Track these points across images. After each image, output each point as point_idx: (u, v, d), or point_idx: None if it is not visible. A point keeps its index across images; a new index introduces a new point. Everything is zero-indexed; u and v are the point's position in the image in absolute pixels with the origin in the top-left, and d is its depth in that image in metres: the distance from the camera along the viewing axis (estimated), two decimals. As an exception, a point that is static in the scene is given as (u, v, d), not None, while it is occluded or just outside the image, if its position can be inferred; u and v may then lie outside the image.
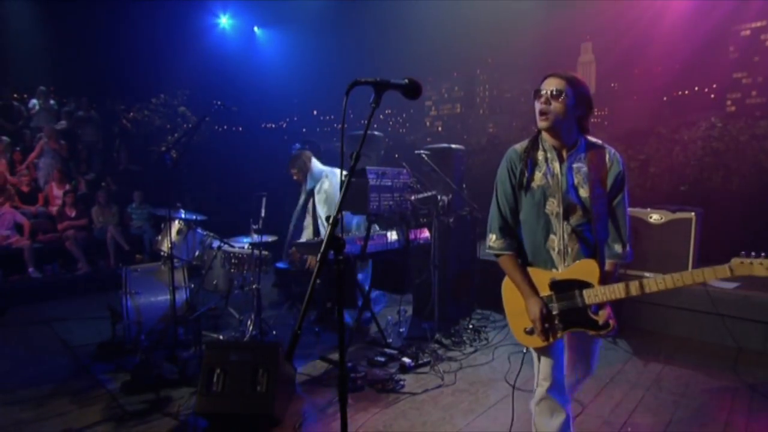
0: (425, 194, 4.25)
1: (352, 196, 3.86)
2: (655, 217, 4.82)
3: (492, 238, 2.17)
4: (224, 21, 11.79)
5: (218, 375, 2.99)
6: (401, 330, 4.57)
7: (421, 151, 4.65)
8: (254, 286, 4.26)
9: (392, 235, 4.26)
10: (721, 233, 5.38)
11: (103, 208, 7.39)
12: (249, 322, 4.35)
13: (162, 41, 10.18)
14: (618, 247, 2.05)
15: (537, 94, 1.96)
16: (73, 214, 7.16)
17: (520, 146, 2.12)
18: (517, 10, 9.34)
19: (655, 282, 1.89)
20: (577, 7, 9.67)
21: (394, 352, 4.08)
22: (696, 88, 9.00)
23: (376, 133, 6.14)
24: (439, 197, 4.30)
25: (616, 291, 1.93)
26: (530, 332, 2.10)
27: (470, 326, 4.68)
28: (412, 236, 4.29)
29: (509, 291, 2.17)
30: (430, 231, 4.49)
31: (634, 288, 1.91)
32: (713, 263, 5.02)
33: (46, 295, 6.22)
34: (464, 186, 5.09)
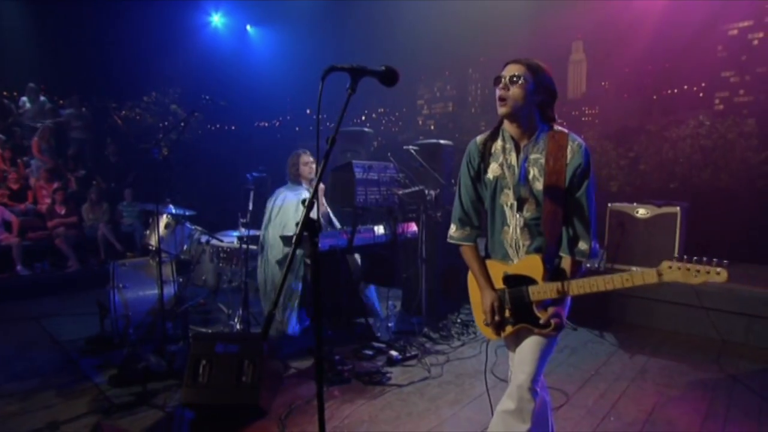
0: (412, 189, 4.28)
1: (339, 189, 3.88)
2: (641, 212, 4.87)
3: (452, 229, 2.18)
4: (216, 19, 11.79)
5: (204, 366, 3.00)
6: (390, 324, 4.59)
7: (410, 147, 4.68)
8: (242, 280, 4.27)
9: (379, 229, 4.28)
10: (709, 229, 5.46)
11: (93, 205, 7.38)
12: (237, 318, 4.37)
13: (154, 39, 10.18)
14: (581, 244, 1.94)
15: (497, 80, 1.92)
16: (63, 211, 7.13)
17: (480, 137, 2.09)
18: (509, 9, 9.41)
19: (588, 283, 1.85)
20: (569, 6, 9.74)
21: (382, 345, 4.10)
22: (685, 87, 9.10)
23: (365, 129, 6.17)
24: (426, 192, 4.32)
25: (553, 290, 1.90)
26: (488, 324, 2.09)
27: (458, 320, 4.71)
28: (399, 230, 4.32)
29: (473, 282, 2.17)
30: (418, 225, 4.52)
31: (567, 287, 1.87)
32: (699, 258, 5.08)
33: (35, 292, 6.19)
34: (453, 181, 5.12)
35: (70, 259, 6.93)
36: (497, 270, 2.07)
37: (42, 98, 8.99)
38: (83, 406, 3.21)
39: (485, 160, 2.04)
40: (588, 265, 5.10)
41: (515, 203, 1.99)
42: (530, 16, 9.67)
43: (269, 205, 4.43)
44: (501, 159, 2.00)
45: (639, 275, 1.76)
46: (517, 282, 1.99)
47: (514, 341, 2.08)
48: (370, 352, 4.00)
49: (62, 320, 5.12)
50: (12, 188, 7.25)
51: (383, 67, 1.67)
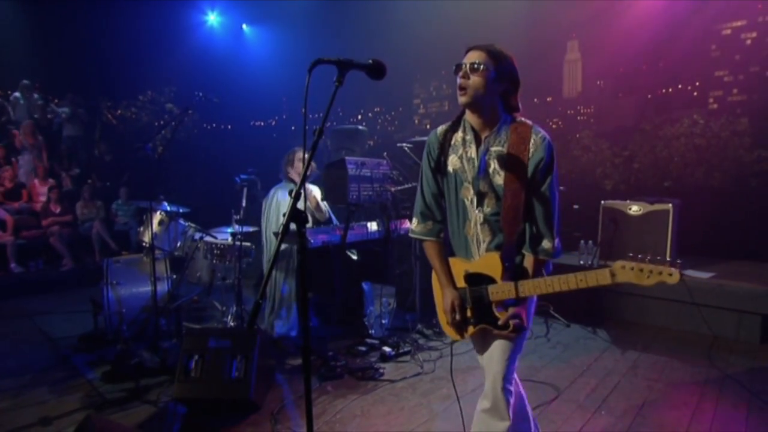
0: (406, 186, 4.29)
1: (332, 185, 3.89)
2: (634, 209, 4.89)
3: (414, 223, 2.10)
4: (212, 18, 11.77)
5: (197, 361, 3.01)
6: (383, 321, 4.60)
7: (404, 144, 4.69)
8: (236, 277, 4.27)
9: (373, 226, 4.29)
10: (702, 226, 5.50)
11: (87, 202, 7.37)
12: (230, 315, 4.37)
13: (150, 38, 10.15)
14: (545, 243, 1.86)
15: (457, 68, 1.81)
16: (58, 210, 7.12)
17: (441, 128, 2.00)
18: (504, 7, 9.41)
19: (544, 283, 1.78)
20: (564, 5, 9.76)
21: (376, 342, 4.12)
22: (679, 86, 9.12)
23: (360, 127, 6.18)
24: (420, 189, 4.33)
25: (509, 290, 1.83)
26: (449, 324, 2.02)
27: (452, 317, 4.72)
28: (392, 227, 4.33)
29: (437, 280, 2.08)
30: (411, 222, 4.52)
31: (523, 288, 1.81)
32: (691, 255, 5.07)
33: (29, 290, 6.19)
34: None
35: (65, 258, 6.93)
36: (460, 268, 1.99)
37: (36, 95, 8.97)
38: (75, 402, 3.22)
39: (445, 152, 1.95)
40: (582, 262, 5.15)
41: (475, 198, 1.90)
42: (526, 15, 9.68)
43: (264, 205, 4.39)
44: (461, 151, 1.91)
45: (593, 275, 1.70)
46: (477, 281, 1.92)
47: (480, 341, 2.02)
48: (363, 348, 4.02)
49: (56, 318, 5.12)
50: (6, 187, 7.23)
51: (370, 61, 1.68)
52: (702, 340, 4.29)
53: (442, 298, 2.00)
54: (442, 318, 2.05)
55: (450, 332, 2.05)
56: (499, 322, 1.86)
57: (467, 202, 1.94)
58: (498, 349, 1.95)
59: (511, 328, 1.85)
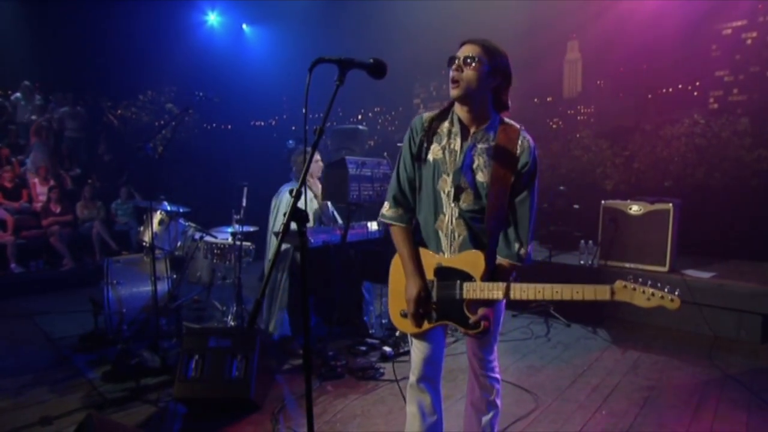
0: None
1: (332, 185, 3.89)
2: (634, 209, 4.89)
3: (386, 206, 2.01)
4: (212, 18, 11.78)
5: (197, 361, 3.01)
6: (384, 321, 4.60)
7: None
8: (236, 277, 4.27)
9: (373, 225, 4.29)
10: (703, 226, 5.50)
11: (87, 202, 7.37)
12: (230, 315, 4.37)
13: (150, 38, 10.15)
14: (516, 247, 1.85)
15: (451, 60, 1.80)
16: (58, 210, 7.12)
17: (427, 114, 1.95)
18: (503, 7, 9.43)
19: (534, 289, 1.74)
20: (564, 5, 9.77)
21: (376, 341, 4.12)
22: (680, 86, 9.13)
23: (360, 127, 6.19)
24: (420, 188, 4.32)
25: (495, 290, 1.78)
26: (405, 315, 1.94)
27: (452, 317, 4.71)
28: (393, 226, 4.31)
29: (397, 268, 1.99)
30: (411, 222, 4.52)
31: (514, 291, 1.77)
32: (691, 255, 5.07)
33: (30, 290, 6.18)
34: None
35: (65, 258, 6.92)
36: (430, 260, 1.92)
37: (37, 96, 8.98)
38: (76, 402, 3.21)
39: (428, 139, 1.89)
40: (582, 262, 5.15)
41: (452, 191, 1.86)
42: (527, 15, 9.70)
43: (273, 202, 4.35)
44: (444, 141, 1.87)
45: (591, 290, 1.69)
46: (449, 276, 1.87)
47: (432, 337, 1.97)
48: (363, 348, 4.02)
49: (56, 318, 5.11)
50: (6, 186, 7.23)
51: (371, 60, 1.67)
52: (703, 340, 4.29)
53: (406, 287, 1.90)
54: (396, 306, 1.98)
55: (401, 323, 1.98)
56: (471, 321, 1.81)
57: (443, 195, 1.88)
58: (476, 343, 2.02)
59: (481, 329, 1.80)
